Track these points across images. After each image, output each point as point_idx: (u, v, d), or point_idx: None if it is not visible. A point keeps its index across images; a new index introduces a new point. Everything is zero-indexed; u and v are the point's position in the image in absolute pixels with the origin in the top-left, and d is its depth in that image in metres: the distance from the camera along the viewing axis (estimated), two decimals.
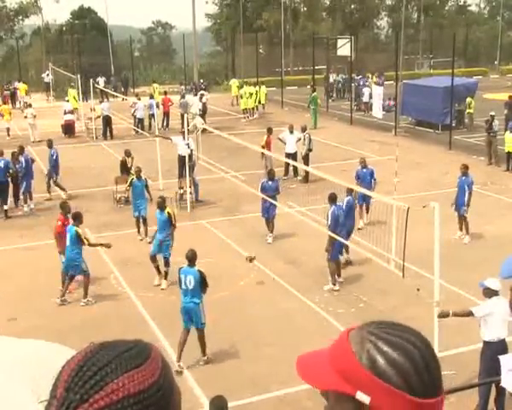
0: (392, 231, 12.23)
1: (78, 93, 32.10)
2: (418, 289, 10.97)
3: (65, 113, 30.27)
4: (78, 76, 31.06)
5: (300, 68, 53.55)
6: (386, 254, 12.31)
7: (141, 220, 15.83)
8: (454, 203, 15.19)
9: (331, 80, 41.31)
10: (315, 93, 31.65)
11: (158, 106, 28.74)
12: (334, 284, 12.90)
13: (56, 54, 51.04)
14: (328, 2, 65.52)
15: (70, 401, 1.07)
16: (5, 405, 1.37)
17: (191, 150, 18.50)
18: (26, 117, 28.40)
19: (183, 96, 33.89)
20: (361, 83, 37.98)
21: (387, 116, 29.82)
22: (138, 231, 15.89)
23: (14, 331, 10.31)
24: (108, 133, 29.17)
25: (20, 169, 18.40)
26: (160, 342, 10.36)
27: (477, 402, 8.58)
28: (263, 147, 20.51)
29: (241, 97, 35.15)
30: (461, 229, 15.39)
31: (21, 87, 40.59)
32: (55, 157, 19.66)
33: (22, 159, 18.60)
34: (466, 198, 14.97)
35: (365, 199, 15.85)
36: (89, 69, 42.84)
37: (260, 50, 49.02)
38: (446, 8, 69.66)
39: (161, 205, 13.18)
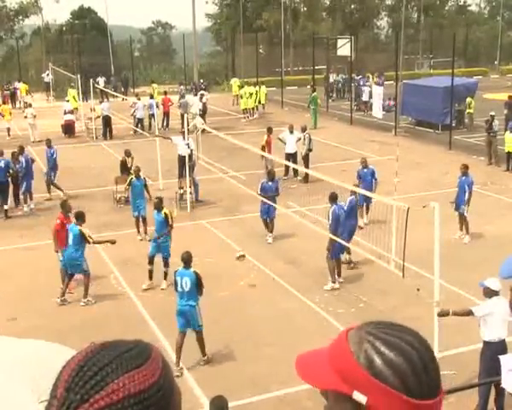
0: (392, 231, 12.23)
1: (78, 93, 32.11)
2: (418, 289, 10.97)
3: (65, 113, 30.29)
4: (78, 76, 31.05)
5: (300, 68, 53.55)
6: (386, 254, 12.31)
7: (140, 220, 15.85)
8: (454, 202, 15.20)
9: (331, 80, 41.31)
10: (315, 93, 31.65)
11: (158, 106, 28.74)
12: (334, 283, 12.91)
13: (56, 54, 51.04)
14: (328, 2, 65.51)
15: (70, 401, 1.08)
16: (5, 405, 1.37)
17: (191, 150, 18.51)
18: (26, 117, 28.41)
19: (182, 96, 33.90)
20: (361, 83, 37.98)
21: (387, 116, 29.83)
22: (138, 231, 15.90)
23: (14, 331, 10.31)
24: (108, 133, 29.18)
25: (21, 169, 18.41)
26: (160, 342, 10.36)
27: (477, 402, 8.58)
28: (263, 147, 20.52)
29: (241, 97, 35.16)
30: (461, 229, 15.39)
31: (22, 87, 40.60)
32: (54, 157, 19.68)
33: (22, 159, 18.60)
34: (466, 198, 14.98)
35: (366, 199, 15.86)
36: (89, 69, 42.85)
37: (260, 50, 49.01)
38: (446, 8, 69.64)
39: (158, 206, 13.17)
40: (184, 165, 18.36)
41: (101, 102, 31.30)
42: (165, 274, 12.93)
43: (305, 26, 57.19)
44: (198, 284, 9.96)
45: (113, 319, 11.68)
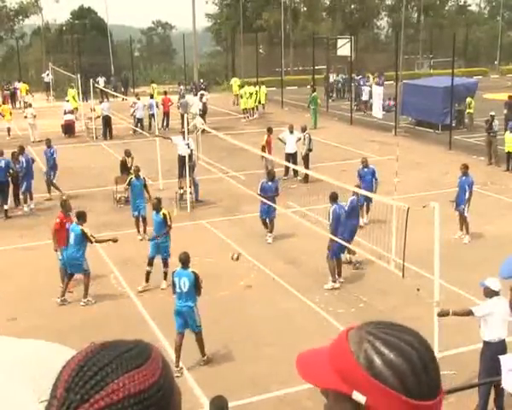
0: (392, 231, 12.23)
1: (78, 93, 32.11)
2: (418, 289, 10.97)
3: (65, 113, 30.29)
4: (78, 76, 31.05)
5: (300, 68, 53.55)
6: (386, 254, 12.31)
7: (140, 220, 15.86)
8: (454, 201, 15.20)
9: (331, 80, 41.31)
10: (315, 93, 31.65)
11: (157, 106, 28.73)
12: (335, 282, 12.91)
13: (56, 54, 51.03)
14: (328, 2, 65.51)
15: (70, 401, 1.08)
16: (6, 405, 1.37)
17: (191, 150, 18.51)
18: (26, 117, 28.41)
19: (182, 96, 33.89)
20: (361, 83, 37.98)
21: (387, 116, 29.82)
22: (138, 231, 15.91)
23: (14, 331, 10.31)
24: (108, 133, 29.19)
25: (21, 169, 18.41)
26: (159, 342, 10.36)
27: (477, 402, 8.59)
28: (263, 147, 20.53)
29: (241, 97, 35.16)
30: (461, 229, 15.39)
31: (22, 87, 40.61)
32: (54, 156, 19.68)
33: (23, 159, 18.60)
34: (466, 198, 14.98)
35: (366, 199, 15.86)
36: (89, 69, 42.84)
37: (260, 50, 49.01)
38: (446, 8, 69.63)
39: (157, 206, 13.14)
40: (184, 165, 18.36)
41: (101, 102, 31.30)
42: (165, 274, 12.92)
43: (305, 26, 57.18)
44: (196, 285, 9.93)
45: (113, 319, 11.68)
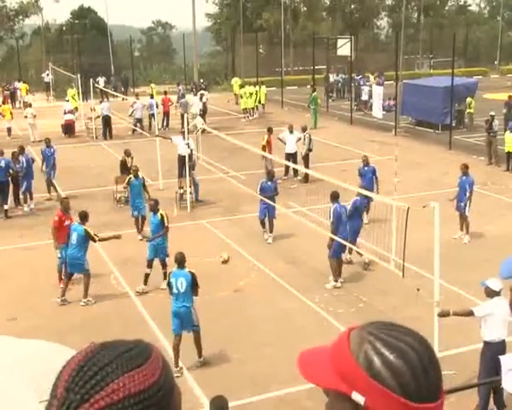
0: (393, 231, 12.22)
1: (78, 93, 32.10)
2: (418, 289, 10.96)
3: (65, 113, 30.29)
4: (78, 76, 31.05)
5: (300, 68, 53.55)
6: (386, 254, 12.31)
7: (140, 219, 15.87)
8: (454, 199, 15.21)
9: (331, 80, 41.31)
10: (315, 93, 31.65)
11: (157, 106, 28.72)
12: (336, 281, 12.91)
13: (56, 54, 51.02)
14: (328, 2, 65.49)
15: (70, 400, 1.08)
16: (6, 404, 1.37)
17: (191, 150, 18.51)
18: (26, 117, 28.40)
19: (182, 96, 33.89)
20: (361, 83, 37.98)
21: (387, 116, 29.82)
22: (138, 231, 15.90)
23: (14, 331, 10.31)
24: (108, 133, 29.19)
25: (21, 169, 18.41)
26: (159, 342, 10.36)
27: (477, 402, 8.59)
28: (264, 146, 20.53)
29: (241, 97, 35.17)
30: (461, 229, 15.40)
31: (22, 87, 40.60)
32: (54, 156, 19.68)
33: (23, 159, 18.61)
34: (467, 197, 14.99)
35: (366, 198, 15.85)
36: (89, 69, 42.81)
37: (260, 50, 49.01)
38: (446, 8, 69.61)
39: (154, 208, 13.10)
40: (184, 165, 18.36)
41: (101, 102, 31.29)
42: (165, 275, 12.90)
43: (305, 26, 57.17)
44: (193, 285, 9.87)
45: (113, 319, 11.68)
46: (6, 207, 18.02)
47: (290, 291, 12.78)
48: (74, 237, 12.33)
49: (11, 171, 18.25)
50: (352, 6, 65.19)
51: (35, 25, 60.23)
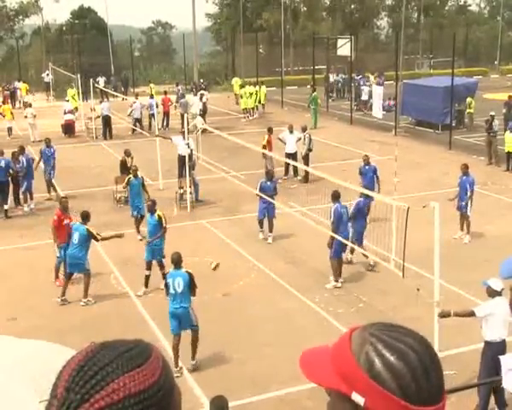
0: (393, 231, 12.22)
1: (78, 93, 32.10)
2: (418, 289, 10.96)
3: (65, 112, 30.29)
4: (78, 76, 31.05)
5: (300, 68, 53.55)
6: (386, 254, 12.31)
7: (139, 218, 15.87)
8: (454, 198, 15.22)
9: (331, 80, 41.31)
10: (315, 93, 31.65)
11: (157, 105, 28.72)
12: (337, 281, 12.91)
13: (56, 54, 51.02)
14: (328, 2, 65.49)
15: (71, 400, 1.08)
16: (7, 404, 1.37)
17: (191, 150, 18.51)
18: (26, 117, 28.41)
19: (182, 96, 33.88)
20: (361, 83, 37.98)
21: (387, 116, 29.82)
22: (137, 231, 15.90)
23: (14, 331, 10.31)
24: (108, 133, 29.19)
25: (21, 169, 18.41)
26: (159, 341, 10.36)
27: (477, 402, 8.59)
28: (264, 146, 20.54)
29: (241, 97, 35.17)
30: (462, 229, 15.40)
31: (22, 87, 40.58)
32: (54, 156, 19.69)
33: (23, 159, 18.61)
34: (468, 197, 15.01)
35: (368, 198, 15.86)
36: (89, 69, 42.81)
37: (260, 50, 49.01)
38: (446, 8, 69.61)
39: (151, 208, 13.06)
40: (184, 165, 18.37)
41: (101, 102, 31.29)
42: (163, 275, 12.89)
43: (305, 26, 57.17)
44: (191, 285, 9.81)
45: (113, 319, 11.68)
46: (6, 207, 18.02)
47: (290, 291, 12.78)
48: (76, 237, 12.32)
49: (11, 171, 18.26)
50: (352, 6, 65.19)
51: (35, 25, 60.30)
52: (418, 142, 26.74)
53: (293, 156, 20.66)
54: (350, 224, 13.45)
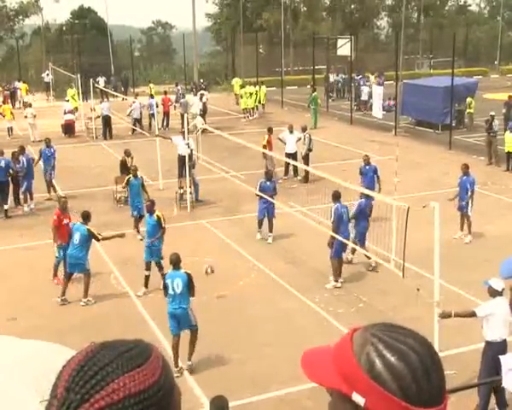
0: (393, 231, 12.22)
1: (78, 93, 32.10)
2: (418, 289, 10.96)
3: (65, 112, 30.29)
4: (78, 76, 31.05)
5: (300, 68, 53.56)
6: (386, 254, 12.31)
7: (138, 218, 15.87)
8: (454, 198, 15.23)
9: (331, 80, 41.32)
10: (315, 93, 31.65)
11: (157, 105, 28.73)
12: (337, 281, 12.91)
13: (56, 54, 51.02)
14: (328, 2, 65.51)
15: (71, 400, 1.08)
16: (7, 404, 1.37)
17: (191, 150, 18.51)
18: (26, 117, 28.41)
19: (182, 96, 33.88)
20: (361, 83, 37.98)
21: (387, 116, 29.83)
22: (138, 231, 15.90)
23: (14, 331, 10.30)
24: (108, 133, 29.19)
25: (21, 169, 18.41)
26: (159, 341, 10.35)
27: (477, 402, 8.59)
28: (264, 146, 20.54)
29: (241, 97, 35.18)
30: (462, 229, 15.40)
31: (22, 87, 40.58)
32: (54, 156, 19.69)
33: (23, 159, 18.62)
34: (468, 196, 15.02)
35: (368, 198, 15.86)
36: (89, 69, 42.82)
37: (260, 50, 49.02)
38: (446, 8, 69.63)
39: (150, 209, 13.04)
40: (184, 165, 18.37)
41: (101, 102, 31.29)
42: (163, 275, 12.88)
43: (305, 26, 57.18)
44: (190, 285, 9.80)
45: (113, 319, 11.68)
46: (6, 207, 18.02)
47: (290, 291, 12.78)
48: (77, 237, 12.32)
49: (11, 171, 18.26)
50: (352, 6, 65.21)
51: (35, 25, 60.31)
52: (418, 142, 26.74)
53: (293, 156, 20.65)
54: (352, 225, 13.45)
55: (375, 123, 30.39)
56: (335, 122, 32.68)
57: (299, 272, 13.78)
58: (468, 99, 28.83)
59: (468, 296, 11.83)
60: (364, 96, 35.46)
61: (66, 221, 13.14)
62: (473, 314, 8.64)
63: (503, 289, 8.54)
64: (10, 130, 29.40)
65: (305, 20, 59.25)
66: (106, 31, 53.50)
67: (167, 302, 9.97)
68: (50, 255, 13.61)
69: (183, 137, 18.89)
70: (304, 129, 21.94)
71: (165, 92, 33.50)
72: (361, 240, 13.55)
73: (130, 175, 16.23)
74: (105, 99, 34.49)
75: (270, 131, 21.74)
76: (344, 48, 34.58)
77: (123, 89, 44.66)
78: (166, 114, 31.57)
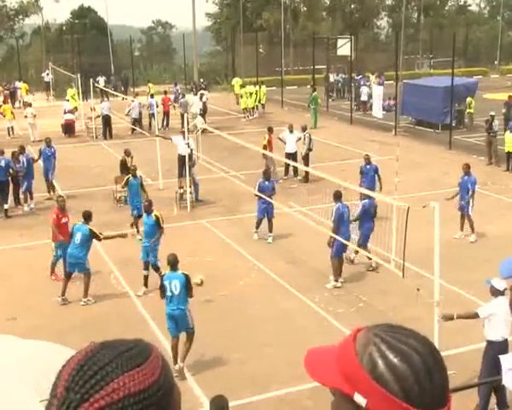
0: (393, 230, 12.22)
1: (78, 93, 32.09)
2: (418, 289, 10.96)
3: (65, 112, 30.28)
4: (78, 76, 31.04)
5: (300, 68, 53.54)
6: (386, 254, 12.31)
7: (137, 218, 15.87)
8: (452, 198, 15.24)
9: (331, 80, 41.31)
10: (315, 93, 31.65)
11: (157, 105, 28.71)
12: (337, 281, 12.90)
13: (56, 53, 51.00)
14: (328, 2, 65.50)
15: (70, 400, 1.08)
16: (7, 404, 1.37)
17: (191, 150, 18.51)
18: (26, 116, 28.40)
19: (182, 96, 33.87)
20: (361, 83, 37.98)
21: (387, 116, 29.83)
22: (138, 231, 15.89)
23: (14, 331, 10.29)
24: (108, 133, 29.19)
25: (21, 169, 18.41)
26: (159, 341, 10.35)
27: (477, 402, 8.59)
28: (265, 146, 20.55)
29: (241, 97, 35.17)
30: (462, 229, 15.40)
31: (22, 87, 40.58)
32: (55, 156, 19.69)
33: (23, 158, 18.62)
34: (469, 196, 15.03)
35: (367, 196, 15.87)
36: (89, 69, 42.80)
37: (260, 50, 49.02)
38: (446, 8, 69.62)
39: (148, 209, 12.99)
40: (184, 164, 18.37)
41: (101, 102, 31.27)
42: (160, 276, 12.83)
43: (305, 26, 57.18)
44: (188, 287, 9.76)
45: (113, 319, 11.68)
46: (6, 206, 18.02)
47: (290, 291, 12.78)
48: (78, 237, 12.32)
49: (11, 170, 18.26)
50: (352, 6, 65.19)
51: (35, 24, 60.30)
52: (418, 142, 26.74)
53: (293, 156, 20.66)
54: (356, 226, 13.44)
55: (375, 123, 30.39)
56: (335, 122, 32.68)
57: (299, 272, 13.78)
58: (468, 99, 28.82)
59: (468, 296, 11.83)
60: (364, 97, 35.45)
61: (64, 220, 13.19)
62: (475, 316, 8.64)
63: (505, 289, 8.54)
64: (11, 129, 29.40)
65: (305, 20, 59.24)
66: (106, 30, 53.48)
67: (165, 303, 9.94)
68: (50, 255, 13.61)
69: (183, 137, 18.89)
70: (304, 129, 21.94)
71: (165, 92, 33.49)
72: (364, 242, 13.50)
73: (130, 175, 16.23)
74: (105, 99, 34.43)
75: (270, 130, 21.74)
76: (344, 48, 34.59)
77: (123, 88, 44.65)
78: (166, 114, 31.57)
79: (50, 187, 19.61)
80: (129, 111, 29.86)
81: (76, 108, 31.73)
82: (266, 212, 15.47)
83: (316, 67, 36.92)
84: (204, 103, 31.46)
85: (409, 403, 1.10)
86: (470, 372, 9.22)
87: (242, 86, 37.43)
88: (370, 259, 13.52)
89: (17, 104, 38.77)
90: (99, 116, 28.86)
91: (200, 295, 11.47)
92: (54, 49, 52.76)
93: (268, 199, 15.29)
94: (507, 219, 16.65)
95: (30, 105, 29.19)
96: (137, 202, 15.87)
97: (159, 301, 12.24)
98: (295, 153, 21.02)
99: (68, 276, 12.59)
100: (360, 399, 1.13)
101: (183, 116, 22.94)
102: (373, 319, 10.89)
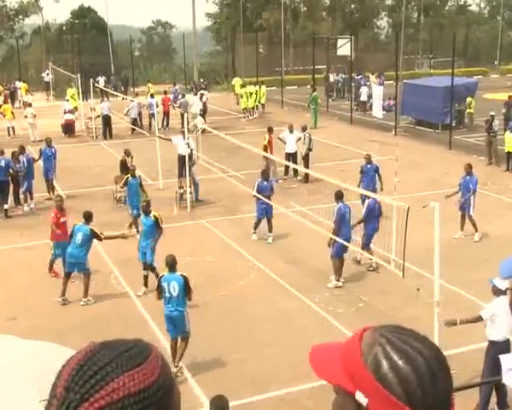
0: (393, 231, 12.22)
1: (78, 93, 32.09)
2: (418, 289, 10.96)
3: (65, 112, 30.28)
4: (78, 75, 31.04)
5: (300, 68, 53.54)
6: (386, 254, 12.31)
7: (136, 217, 15.87)
8: (450, 196, 15.24)
9: (331, 80, 41.32)
10: (315, 93, 31.65)
11: (157, 105, 28.71)
12: (338, 281, 12.90)
13: (56, 53, 51.00)
14: (328, 2, 65.51)
15: (70, 400, 1.08)
16: (7, 404, 1.37)
17: (191, 150, 18.51)
18: (26, 116, 28.40)
19: (182, 96, 33.87)
20: (361, 83, 37.98)
21: (387, 116, 29.83)
22: (137, 231, 15.88)
23: (15, 331, 10.29)
24: (108, 133, 29.19)
25: (21, 169, 18.41)
26: (159, 341, 10.35)
27: (477, 402, 8.59)
28: (265, 146, 20.54)
29: (241, 97, 35.18)
30: (462, 229, 15.41)
31: (22, 87, 40.58)
32: (55, 156, 19.69)
33: (23, 158, 18.62)
34: (471, 197, 15.04)
35: (366, 196, 15.88)
36: (89, 69, 42.79)
37: (260, 50, 49.02)
38: (446, 8, 69.63)
39: (146, 209, 12.97)
40: (184, 164, 18.37)
41: (101, 102, 31.28)
42: (157, 276, 12.82)
43: (305, 26, 57.18)
44: (186, 289, 9.71)
45: (113, 319, 11.68)
46: (6, 206, 18.02)
47: (290, 291, 12.78)
48: (79, 237, 12.32)
49: (11, 170, 18.26)
50: (352, 6, 65.20)
51: (35, 24, 60.30)
52: (418, 142, 26.74)
53: (293, 156, 20.66)
54: (361, 227, 13.43)
55: (375, 123, 30.39)
56: (335, 122, 32.68)
57: (299, 272, 13.78)
58: (468, 99, 28.83)
59: (468, 296, 11.82)
60: (364, 97, 35.45)
61: (63, 219, 13.23)
62: (479, 319, 8.63)
63: (506, 289, 8.53)
64: (12, 129, 29.39)
65: (305, 20, 59.24)
66: (106, 30, 53.48)
67: (163, 304, 9.92)
68: (50, 255, 13.61)
69: (183, 137, 18.89)
70: (304, 129, 21.94)
71: (165, 92, 33.50)
72: (367, 242, 13.49)
73: (129, 175, 16.23)
74: (105, 99, 34.46)
75: (270, 130, 21.74)
76: (344, 48, 34.59)
77: (123, 88, 44.65)
78: (166, 114, 31.57)
79: (50, 187, 19.61)
80: (128, 111, 29.86)
81: (76, 108, 31.72)
82: (266, 212, 15.47)
83: (316, 67, 36.92)
84: (204, 103, 31.46)
85: (411, 407, 1.10)
86: (471, 372, 9.22)
87: (243, 86, 37.42)
88: (371, 259, 13.53)
89: (17, 104, 38.76)
90: (99, 116, 28.86)
91: (201, 295, 11.48)
92: (54, 49, 52.76)
93: (266, 200, 15.28)
94: (507, 219, 16.65)
95: (30, 105, 29.18)
96: (136, 202, 15.86)
97: (158, 301, 12.27)
98: (295, 153, 21.03)
99: (68, 276, 12.59)
100: (361, 398, 1.13)
101: (183, 116, 22.95)
102: (373, 319, 10.89)
